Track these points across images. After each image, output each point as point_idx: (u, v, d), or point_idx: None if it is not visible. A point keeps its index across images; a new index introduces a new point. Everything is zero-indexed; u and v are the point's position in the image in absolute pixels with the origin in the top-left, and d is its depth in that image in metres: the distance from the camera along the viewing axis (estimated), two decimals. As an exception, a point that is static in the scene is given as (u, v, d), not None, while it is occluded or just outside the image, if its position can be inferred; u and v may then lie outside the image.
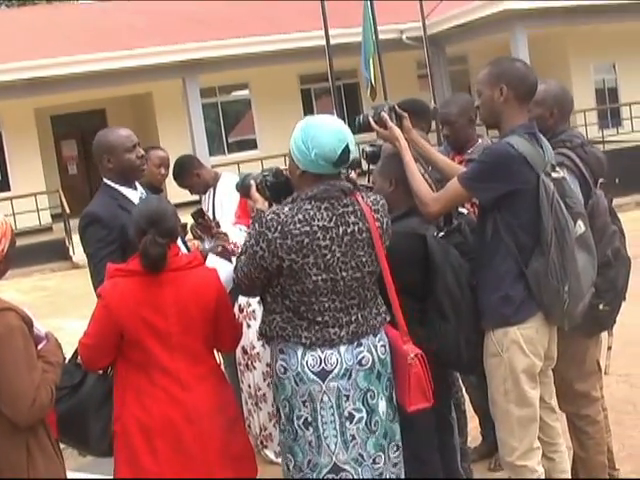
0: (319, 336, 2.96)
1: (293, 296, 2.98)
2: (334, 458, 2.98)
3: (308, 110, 20.16)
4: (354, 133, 3.06)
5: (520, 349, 3.25)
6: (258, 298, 3.22)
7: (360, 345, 3.01)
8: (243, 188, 3.48)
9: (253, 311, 4.70)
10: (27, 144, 18.67)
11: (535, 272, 3.19)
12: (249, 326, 4.68)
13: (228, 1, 20.73)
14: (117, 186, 3.67)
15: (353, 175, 3.61)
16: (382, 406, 3.05)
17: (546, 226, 3.17)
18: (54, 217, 18.34)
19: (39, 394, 2.62)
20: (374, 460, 3.03)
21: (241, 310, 4.79)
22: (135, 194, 3.70)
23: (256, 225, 2.97)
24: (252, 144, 21.10)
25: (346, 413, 2.98)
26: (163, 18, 19.92)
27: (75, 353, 3.29)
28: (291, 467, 3.09)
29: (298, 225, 2.90)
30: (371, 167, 3.81)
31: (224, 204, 5.10)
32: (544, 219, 3.17)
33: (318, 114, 3.27)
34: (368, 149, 3.84)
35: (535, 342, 3.27)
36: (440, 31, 18.96)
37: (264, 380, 4.73)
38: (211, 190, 5.30)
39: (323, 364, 2.96)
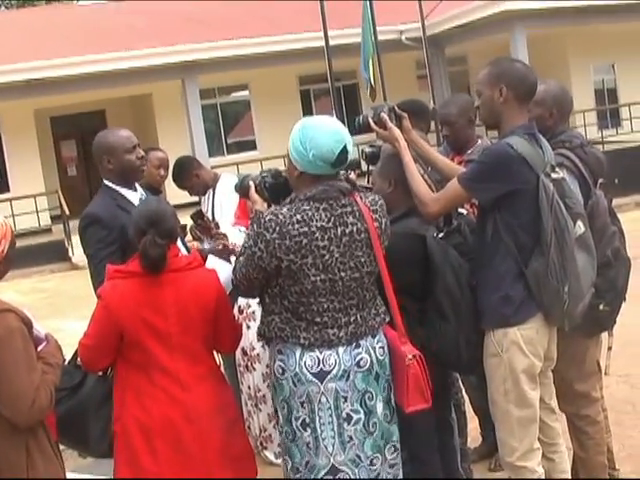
0: (318, 337, 2.96)
1: (292, 297, 2.98)
2: (332, 459, 2.98)
3: (307, 111, 20.16)
4: (354, 134, 3.06)
5: (520, 349, 3.25)
6: (258, 299, 3.22)
7: (358, 346, 3.01)
8: (242, 189, 3.48)
9: (253, 312, 4.69)
10: (26, 145, 18.66)
11: (535, 272, 3.19)
12: (249, 327, 4.67)
13: (228, 2, 20.73)
14: (117, 187, 3.68)
15: (353, 176, 3.60)
16: (380, 407, 3.04)
17: (546, 226, 3.17)
18: (53, 218, 18.34)
19: (38, 395, 2.62)
20: (371, 461, 3.03)
21: (241, 311, 4.79)
22: (135, 195, 3.70)
23: (254, 226, 2.97)
24: (251, 145, 21.11)
25: (344, 414, 2.97)
26: (163, 19, 19.93)
27: (75, 354, 3.29)
28: (289, 468, 3.09)
29: (296, 226, 2.90)
30: (370, 168, 3.81)
31: (223, 205, 5.10)
32: (544, 219, 3.16)
33: (317, 115, 3.27)
34: (367, 150, 3.84)
35: (535, 342, 3.27)
36: (439, 31, 18.96)
37: (264, 381, 4.73)
38: (210, 191, 5.30)
39: (321, 365, 2.96)
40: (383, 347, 3.09)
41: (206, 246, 4.45)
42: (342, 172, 3.22)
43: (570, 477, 3.61)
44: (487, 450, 4.50)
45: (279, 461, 4.20)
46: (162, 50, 17.49)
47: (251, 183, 3.38)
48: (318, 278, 2.93)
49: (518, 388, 3.28)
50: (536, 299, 3.22)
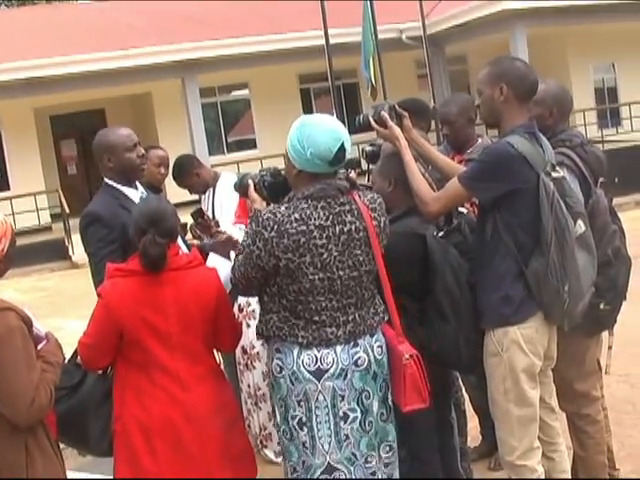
0: (316, 335, 2.96)
1: (290, 295, 2.97)
2: (328, 458, 2.98)
3: (307, 110, 20.15)
4: (354, 132, 3.06)
5: (520, 349, 3.25)
6: (258, 297, 3.22)
7: (356, 345, 3.01)
8: (241, 188, 3.48)
9: (253, 311, 4.69)
10: (26, 144, 18.65)
11: (535, 272, 3.19)
12: (249, 326, 4.67)
13: (227, 1, 20.73)
14: (118, 185, 3.67)
15: (353, 175, 3.60)
16: (376, 406, 3.04)
17: (546, 226, 3.16)
18: (53, 217, 18.33)
19: (38, 394, 2.62)
20: (366, 459, 3.03)
21: (241, 310, 4.79)
22: (136, 193, 3.70)
23: (253, 224, 2.96)
24: (251, 144, 21.10)
25: (341, 413, 2.97)
26: (162, 18, 19.92)
27: (75, 353, 3.28)
28: (287, 466, 3.09)
29: (294, 224, 2.90)
30: (371, 167, 3.80)
31: (224, 204, 5.10)
32: (544, 219, 3.16)
33: (317, 114, 3.27)
34: (368, 149, 3.84)
35: (535, 342, 3.27)
36: (440, 31, 18.95)
37: (264, 380, 4.72)
38: (210, 190, 5.30)
39: (319, 363, 2.96)
40: (381, 346, 3.08)
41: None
42: (342, 171, 3.22)
43: (570, 476, 3.61)
44: (487, 449, 4.50)
45: (279, 460, 4.20)
46: (162, 49, 17.48)
47: (250, 182, 3.38)
48: (316, 277, 2.93)
49: (518, 387, 3.28)
50: (536, 298, 3.22)
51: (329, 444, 2.98)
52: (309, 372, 2.96)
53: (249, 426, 4.88)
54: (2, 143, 19.08)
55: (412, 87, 19.58)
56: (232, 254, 3.71)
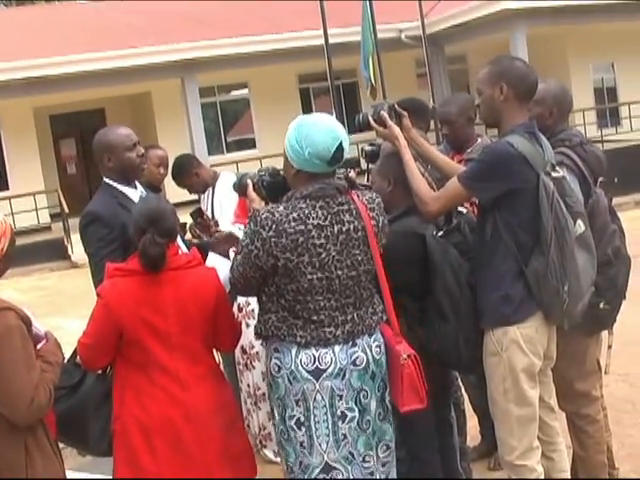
0: (314, 335, 2.96)
1: (288, 295, 2.97)
2: (325, 457, 2.98)
3: (307, 109, 20.16)
4: (354, 132, 3.06)
5: (519, 348, 3.24)
6: (256, 297, 3.22)
7: (355, 345, 3.00)
8: (240, 187, 3.48)
9: (252, 310, 4.69)
10: (26, 143, 18.65)
11: (535, 271, 3.19)
12: (248, 325, 4.66)
13: (227, 1, 20.73)
14: (117, 185, 3.67)
15: (352, 174, 3.60)
16: (373, 405, 3.04)
17: (546, 225, 3.16)
18: (53, 216, 18.34)
19: (37, 394, 2.62)
20: (364, 459, 3.03)
21: (240, 309, 4.79)
22: (135, 193, 3.69)
23: (251, 224, 2.96)
24: (251, 143, 21.10)
25: (339, 412, 2.97)
26: (162, 17, 19.93)
27: (74, 352, 3.28)
28: (284, 466, 3.09)
29: (293, 224, 2.90)
30: (370, 166, 3.80)
31: (223, 203, 5.10)
32: (544, 218, 3.16)
33: (316, 113, 3.27)
34: (367, 148, 3.84)
35: (534, 341, 3.27)
36: (439, 30, 18.95)
37: (263, 379, 4.71)
38: (210, 189, 5.30)
39: (317, 363, 2.95)
40: (380, 346, 3.08)
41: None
42: (342, 170, 3.21)
43: (569, 476, 3.61)
44: (486, 449, 4.50)
45: (278, 459, 4.20)
46: (161, 48, 17.48)
47: (249, 182, 3.38)
48: (315, 276, 2.93)
49: (517, 387, 3.28)
50: (536, 298, 3.22)
51: (327, 444, 2.98)
52: (307, 372, 2.95)
53: (248, 426, 4.88)
54: (1, 143, 19.08)
55: (411, 87, 19.58)
56: (231, 253, 3.70)
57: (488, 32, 18.38)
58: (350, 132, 3.02)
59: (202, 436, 3.07)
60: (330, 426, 2.97)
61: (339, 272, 2.96)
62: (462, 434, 3.96)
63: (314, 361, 2.95)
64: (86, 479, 4.71)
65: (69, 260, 15.64)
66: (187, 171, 5.25)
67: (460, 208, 3.66)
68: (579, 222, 3.29)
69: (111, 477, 3.21)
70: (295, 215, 2.91)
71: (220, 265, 3.45)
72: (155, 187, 4.95)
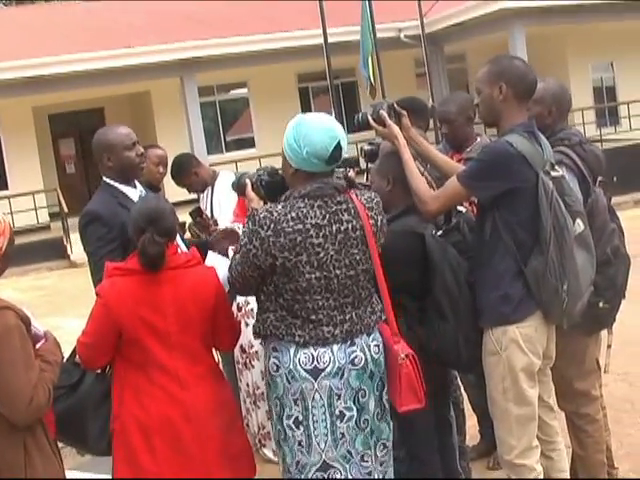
0: (313, 335, 2.95)
1: (287, 294, 2.97)
2: (323, 456, 2.98)
3: (306, 108, 20.15)
4: (353, 131, 3.06)
5: (519, 348, 3.24)
6: (255, 297, 3.22)
7: (353, 344, 3.00)
8: (239, 187, 3.48)
9: (251, 309, 4.69)
10: (25, 143, 18.65)
11: (534, 271, 3.19)
12: (247, 324, 4.66)
13: (226, 0, 20.71)
14: (117, 184, 3.67)
15: (352, 173, 3.60)
16: (372, 405, 3.04)
17: (545, 225, 3.16)
18: (52, 216, 18.33)
19: (36, 393, 2.61)
20: (362, 458, 3.02)
21: (239, 308, 4.79)
22: (135, 192, 3.69)
23: (249, 223, 2.96)
24: (250, 142, 21.10)
25: (337, 412, 2.97)
26: (161, 16, 19.92)
27: (73, 352, 3.28)
28: (281, 466, 3.09)
29: (291, 223, 2.89)
30: (370, 165, 3.80)
31: (222, 202, 5.10)
32: (543, 218, 3.16)
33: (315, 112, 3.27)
34: (367, 147, 3.84)
35: (534, 341, 3.27)
36: (438, 29, 18.97)
37: (262, 379, 4.70)
38: (209, 189, 5.30)
39: (315, 362, 2.95)
40: (378, 345, 3.07)
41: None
42: (341, 170, 3.21)
43: (569, 475, 3.60)
44: (485, 448, 4.49)
45: (277, 458, 4.20)
46: (161, 48, 17.48)
47: (247, 181, 3.38)
48: (313, 276, 2.93)
49: (517, 386, 3.27)
50: (535, 297, 3.22)
51: (325, 443, 2.97)
52: (306, 371, 2.95)
53: (248, 425, 4.88)
54: (0, 142, 19.07)
55: (411, 86, 19.61)
56: (230, 252, 3.70)
57: (487, 31, 18.39)
58: (349, 131, 3.02)
59: (201, 435, 3.06)
60: (328, 425, 2.97)
61: (337, 271, 2.96)
62: (461, 433, 3.96)
63: (312, 360, 2.95)
64: (85, 479, 4.71)
65: (68, 259, 15.64)
66: (186, 170, 5.25)
67: (459, 207, 3.66)
68: (578, 221, 3.29)
69: (110, 476, 3.21)
70: (293, 214, 2.91)
71: (219, 264, 3.45)
72: (154, 186, 4.94)
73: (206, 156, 16.96)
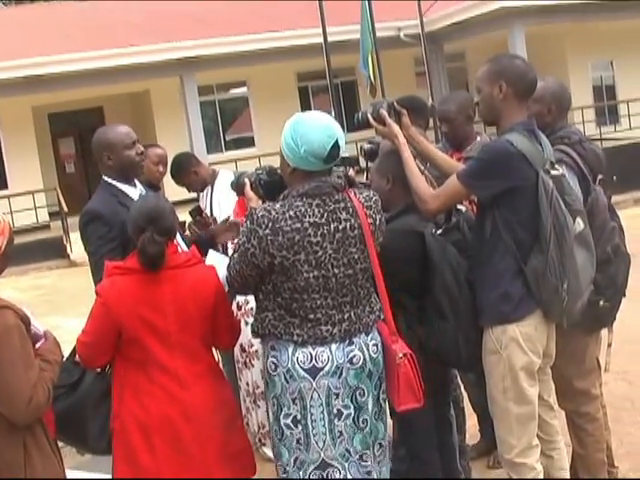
0: (311, 334, 2.95)
1: (285, 293, 2.97)
2: (322, 454, 2.98)
3: (306, 107, 20.14)
4: (353, 130, 3.05)
5: (519, 346, 3.24)
6: (253, 296, 3.22)
7: (352, 343, 3.00)
8: (238, 186, 3.48)
9: (251, 308, 4.68)
10: (24, 142, 18.65)
11: (534, 269, 3.19)
12: (247, 324, 4.65)
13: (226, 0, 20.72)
14: (117, 183, 3.67)
15: (351, 172, 3.60)
16: (370, 404, 3.04)
17: (545, 223, 3.16)
18: (52, 215, 18.33)
19: (36, 393, 2.61)
20: (361, 457, 3.02)
21: (239, 307, 4.79)
22: (135, 191, 3.69)
23: (248, 222, 2.96)
24: (250, 142, 21.10)
25: (335, 410, 2.97)
26: (161, 16, 19.92)
27: (73, 351, 3.28)
28: (277, 466, 3.09)
29: (289, 222, 2.89)
30: (369, 164, 3.80)
31: (222, 202, 5.09)
32: (543, 216, 3.16)
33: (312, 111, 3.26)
34: (366, 146, 3.84)
35: (534, 340, 3.26)
36: (438, 28, 18.98)
37: (262, 378, 4.72)
38: (209, 188, 5.30)
39: (314, 361, 2.95)
40: (377, 344, 3.07)
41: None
42: (341, 169, 3.21)
43: (569, 474, 3.61)
44: (485, 447, 4.49)
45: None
46: (160, 47, 17.48)
47: (246, 180, 3.38)
48: (311, 275, 2.92)
49: (517, 385, 3.27)
50: (535, 296, 3.22)
51: (324, 442, 2.98)
52: (304, 370, 2.95)
53: (248, 424, 4.88)
54: (0, 141, 19.06)
55: (410, 85, 19.60)
56: (230, 249, 3.70)
57: (487, 30, 18.40)
58: (349, 130, 3.02)
59: (201, 434, 3.06)
60: (326, 424, 2.97)
61: (335, 270, 2.96)
62: (461, 432, 3.96)
63: (311, 359, 2.95)
64: (85, 478, 4.71)
65: (68, 259, 15.64)
66: (186, 169, 5.25)
67: (459, 206, 3.65)
68: (578, 220, 3.29)
69: (110, 476, 3.21)
70: (291, 213, 2.91)
71: (219, 263, 3.45)
72: (154, 185, 4.94)
73: (206, 155, 16.97)
